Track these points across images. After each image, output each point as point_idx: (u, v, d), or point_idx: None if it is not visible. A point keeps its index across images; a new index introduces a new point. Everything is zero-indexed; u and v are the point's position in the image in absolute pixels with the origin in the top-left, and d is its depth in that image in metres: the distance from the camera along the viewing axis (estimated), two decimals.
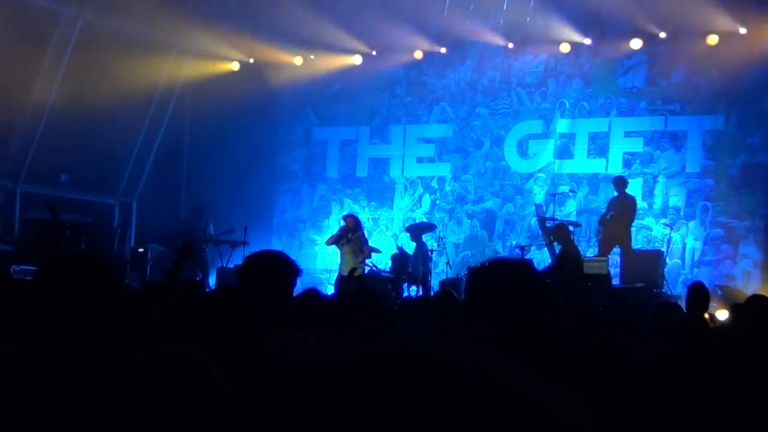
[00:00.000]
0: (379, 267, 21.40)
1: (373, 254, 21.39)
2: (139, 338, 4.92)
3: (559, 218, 20.92)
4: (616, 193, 20.59)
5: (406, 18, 23.85)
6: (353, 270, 19.26)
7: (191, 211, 23.83)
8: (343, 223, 20.76)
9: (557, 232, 19.36)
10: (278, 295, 5.20)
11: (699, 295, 10.94)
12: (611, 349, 5.38)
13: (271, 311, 5.09)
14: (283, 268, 5.31)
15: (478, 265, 4.54)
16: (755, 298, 9.40)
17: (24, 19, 21.52)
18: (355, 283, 18.02)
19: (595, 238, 20.88)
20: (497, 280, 4.25)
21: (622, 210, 20.24)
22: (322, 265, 24.06)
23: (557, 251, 19.39)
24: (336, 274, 20.50)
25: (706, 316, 11.42)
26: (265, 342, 4.49)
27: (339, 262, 20.34)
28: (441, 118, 24.21)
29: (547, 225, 20.34)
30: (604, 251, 20.02)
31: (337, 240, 20.19)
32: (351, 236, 19.97)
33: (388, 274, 20.97)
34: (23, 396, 3.48)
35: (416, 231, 22.03)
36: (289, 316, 5.18)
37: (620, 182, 20.61)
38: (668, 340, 6.67)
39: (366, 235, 20.87)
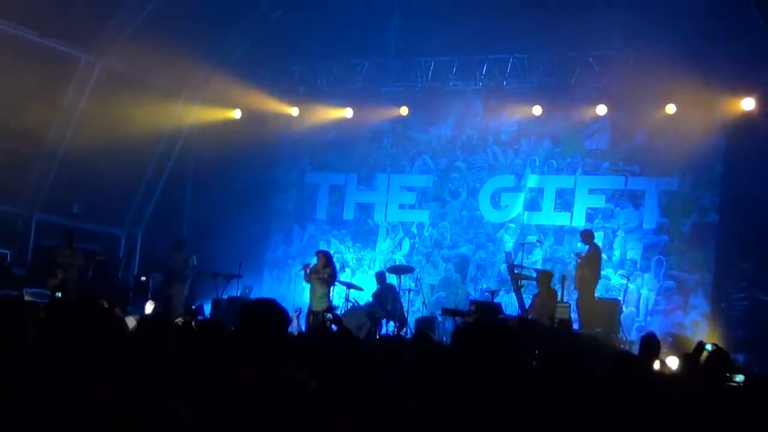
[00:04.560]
0: (360, 303, 21.37)
1: (353, 290, 21.37)
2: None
3: (527, 266, 20.94)
4: (585, 246, 20.62)
5: (395, 78, 24.00)
6: (323, 315, 19.19)
7: (171, 244, 23.61)
8: (315, 259, 20.72)
9: (544, 278, 19.38)
10: (274, 338, 5.19)
11: (650, 344, 10.96)
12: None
13: (267, 353, 5.08)
14: (276, 316, 5.31)
15: (465, 324, 4.62)
16: (702, 344, 9.46)
17: (47, 62, 21.59)
18: (324, 320, 18.01)
19: (559, 285, 20.86)
20: (481, 338, 4.30)
21: (593, 259, 20.34)
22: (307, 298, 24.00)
23: (534, 294, 19.43)
24: (306, 307, 20.34)
25: (657, 363, 11.44)
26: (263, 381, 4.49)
27: (309, 295, 20.21)
28: (423, 169, 24.26)
29: (516, 272, 20.33)
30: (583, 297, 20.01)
31: (307, 277, 20.22)
32: (320, 271, 19.96)
33: (369, 310, 20.92)
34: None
35: (393, 272, 22.00)
36: (287, 357, 5.18)
37: (588, 235, 20.68)
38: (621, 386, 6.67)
39: (335, 272, 20.78)
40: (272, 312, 5.28)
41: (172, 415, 3.08)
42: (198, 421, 3.07)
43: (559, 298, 19.72)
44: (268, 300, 5.58)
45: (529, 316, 18.56)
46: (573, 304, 19.79)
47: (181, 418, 3.08)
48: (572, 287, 20.46)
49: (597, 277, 20.41)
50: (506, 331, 4.49)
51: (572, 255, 21.22)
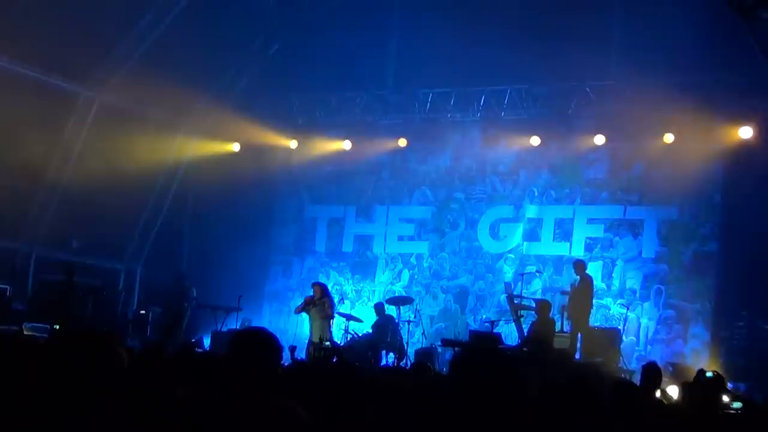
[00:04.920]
0: (359, 334, 21.32)
1: (352, 322, 21.31)
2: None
3: (527, 296, 20.89)
4: (577, 276, 20.61)
5: (393, 110, 24.06)
6: (320, 341, 19.12)
7: (173, 277, 23.75)
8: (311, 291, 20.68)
9: (541, 308, 19.33)
10: (266, 367, 5.15)
11: (652, 373, 10.91)
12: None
13: (260, 382, 5.04)
14: (268, 345, 5.26)
15: (461, 355, 4.59)
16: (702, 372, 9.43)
17: (46, 98, 21.64)
18: (325, 352, 17.93)
19: (558, 315, 20.78)
20: (477, 367, 4.28)
21: (583, 290, 20.29)
22: (308, 331, 23.94)
23: (532, 322, 19.36)
24: (307, 339, 20.30)
25: (658, 392, 11.39)
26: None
27: (309, 327, 20.12)
28: (421, 200, 24.27)
29: (515, 302, 20.29)
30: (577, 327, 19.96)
31: (303, 308, 20.11)
32: (318, 303, 19.88)
33: (369, 341, 20.88)
34: None
35: (392, 304, 21.95)
36: (277, 386, 5.13)
37: (580, 265, 20.67)
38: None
39: (334, 301, 20.73)
40: (263, 340, 5.24)
41: None
42: None
43: (558, 328, 19.69)
44: (258, 328, 5.54)
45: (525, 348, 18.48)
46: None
47: None
48: (565, 318, 20.43)
49: (590, 306, 20.36)
50: (505, 360, 4.46)
51: (561, 291, 21.15)
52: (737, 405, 8.44)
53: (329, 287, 23.33)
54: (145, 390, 5.64)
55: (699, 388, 8.79)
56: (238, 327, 22.22)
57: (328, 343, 18.85)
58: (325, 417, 5.25)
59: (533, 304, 20.17)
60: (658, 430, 5.79)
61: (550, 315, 19.53)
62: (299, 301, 21.03)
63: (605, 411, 6.25)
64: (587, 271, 20.66)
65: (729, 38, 19.57)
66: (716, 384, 8.76)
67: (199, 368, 7.16)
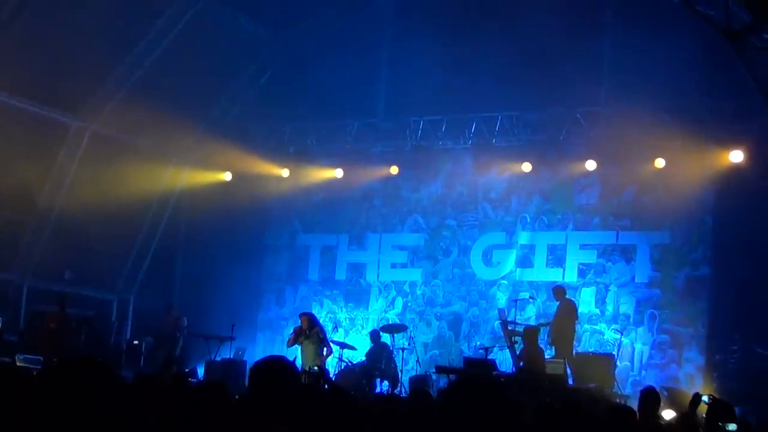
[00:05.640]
0: (353, 362, 21.26)
1: (346, 350, 21.23)
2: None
3: (521, 322, 20.88)
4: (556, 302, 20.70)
5: (385, 138, 24.10)
6: (310, 369, 18.98)
7: (163, 307, 23.80)
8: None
9: (529, 335, 19.34)
10: (285, 397, 5.16)
11: (651, 398, 10.89)
12: None
13: (277, 410, 5.04)
14: (289, 373, 5.29)
15: (453, 384, 4.55)
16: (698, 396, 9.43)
17: (37, 129, 21.64)
18: (314, 379, 17.82)
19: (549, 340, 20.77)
20: (470, 395, 4.26)
21: (561, 316, 20.37)
22: (300, 360, 23.87)
23: (519, 351, 19.35)
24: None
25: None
26: None
27: (301, 357, 19.92)
28: (414, 228, 24.26)
29: (509, 328, 20.27)
30: (560, 353, 19.96)
31: (295, 341, 19.95)
32: (309, 333, 19.76)
33: (363, 369, 20.83)
34: None
35: (386, 331, 21.91)
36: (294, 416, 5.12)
37: (559, 291, 20.77)
38: None
39: (324, 329, 20.62)
40: (284, 369, 5.26)
41: None
42: None
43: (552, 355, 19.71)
44: (278, 358, 5.56)
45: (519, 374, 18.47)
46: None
47: None
48: (548, 343, 20.47)
49: (573, 331, 20.39)
50: (498, 386, 4.43)
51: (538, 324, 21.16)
52: (732, 427, 8.42)
53: (321, 315, 23.36)
54: (142, 418, 5.61)
55: (697, 413, 8.79)
56: (231, 356, 22.17)
57: (316, 368, 18.73)
58: None
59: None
60: None
61: (539, 342, 19.52)
62: (292, 330, 20.91)
63: None
64: (568, 296, 20.75)
65: (719, 63, 19.69)
66: (720, 408, 8.76)
67: (195, 397, 7.12)
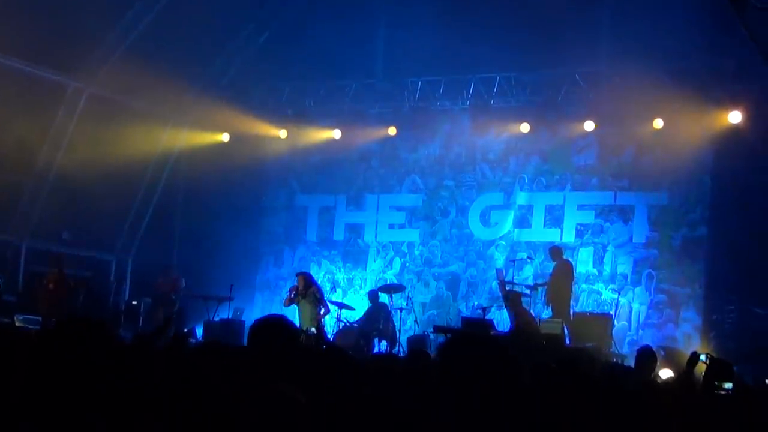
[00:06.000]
0: (351, 322, 21.34)
1: (344, 310, 21.30)
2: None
3: (518, 282, 20.95)
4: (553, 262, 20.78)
5: (383, 99, 24.04)
6: (308, 330, 18.99)
7: (160, 269, 23.86)
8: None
9: (510, 302, 19.47)
10: (284, 353, 5.18)
11: (647, 357, 10.95)
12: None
13: (275, 368, 5.06)
14: (286, 332, 5.30)
15: (450, 341, 4.55)
16: (696, 355, 9.47)
17: (35, 90, 21.58)
18: (313, 340, 17.85)
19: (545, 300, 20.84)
20: (466, 351, 4.27)
21: (558, 276, 20.44)
22: (298, 320, 23.94)
23: (510, 318, 19.48)
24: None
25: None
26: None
27: (299, 317, 19.85)
28: (412, 188, 24.26)
29: (507, 288, 20.35)
30: (557, 313, 20.05)
31: (291, 301, 19.94)
32: (305, 292, 19.76)
33: (361, 329, 20.93)
34: None
35: (384, 292, 21.96)
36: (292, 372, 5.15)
37: (556, 251, 20.85)
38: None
39: (321, 289, 20.64)
40: (281, 328, 5.28)
41: None
42: None
43: (550, 315, 19.82)
44: (278, 316, 5.58)
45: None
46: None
47: None
48: (545, 303, 20.57)
49: (570, 291, 20.47)
50: (496, 344, 4.44)
51: (534, 285, 21.24)
52: (728, 385, 8.47)
53: (320, 276, 23.41)
54: (141, 379, 5.63)
55: (695, 372, 8.83)
56: (230, 317, 22.25)
57: (314, 329, 18.77)
58: (321, 401, 5.24)
59: (526, 290, 20.28)
60: (652, 411, 5.81)
61: (522, 304, 19.62)
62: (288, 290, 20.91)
63: (598, 393, 6.27)
64: (565, 257, 20.81)
65: (718, 23, 19.57)
66: (719, 367, 8.80)
67: (194, 357, 7.14)
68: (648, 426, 5.78)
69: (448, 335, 18.52)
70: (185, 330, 21.19)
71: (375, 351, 20.37)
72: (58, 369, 4.09)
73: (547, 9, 20.83)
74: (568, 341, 18.84)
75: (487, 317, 20.24)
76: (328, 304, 20.37)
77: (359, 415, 4.91)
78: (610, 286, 21.47)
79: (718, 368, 8.80)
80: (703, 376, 8.84)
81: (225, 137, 25.91)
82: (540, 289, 20.86)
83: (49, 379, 4.08)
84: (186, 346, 10.67)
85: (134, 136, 23.90)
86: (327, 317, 20.35)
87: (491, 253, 22.98)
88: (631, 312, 21.30)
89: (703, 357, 9.41)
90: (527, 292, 20.45)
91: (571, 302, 20.63)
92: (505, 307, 20.35)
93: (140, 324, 22.92)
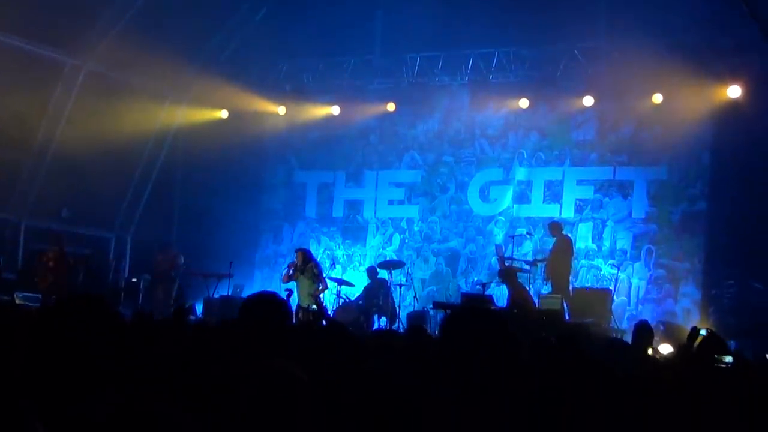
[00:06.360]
0: (351, 298, 21.38)
1: (344, 286, 21.33)
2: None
3: (518, 258, 20.98)
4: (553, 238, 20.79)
5: (381, 75, 23.99)
6: (306, 307, 18.98)
7: (158, 247, 23.88)
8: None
9: (506, 278, 19.48)
10: (275, 330, 5.19)
11: (644, 332, 10.97)
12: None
13: (268, 344, 5.07)
14: (279, 309, 5.30)
15: (452, 313, 4.56)
16: (696, 330, 9.50)
17: (32, 67, 21.53)
18: (313, 316, 17.87)
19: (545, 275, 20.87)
20: (468, 325, 4.27)
21: (558, 251, 20.45)
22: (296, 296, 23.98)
23: (508, 295, 19.50)
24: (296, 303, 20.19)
25: (650, 350, 11.45)
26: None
27: (297, 293, 19.79)
28: (411, 164, 24.25)
29: (506, 264, 20.38)
30: (557, 289, 20.07)
31: (290, 277, 19.91)
32: (304, 268, 19.75)
33: (360, 305, 20.97)
34: None
35: (384, 268, 21.98)
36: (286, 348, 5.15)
37: (555, 227, 20.86)
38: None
39: (320, 265, 20.65)
40: (274, 304, 5.28)
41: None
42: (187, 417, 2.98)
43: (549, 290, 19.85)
44: (269, 293, 5.58)
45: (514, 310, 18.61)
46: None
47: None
48: (544, 279, 20.60)
49: (570, 267, 20.48)
50: (497, 319, 4.45)
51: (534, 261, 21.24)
52: (728, 359, 8.50)
53: (319, 252, 23.42)
54: (142, 356, 5.64)
55: (694, 346, 8.85)
56: (230, 294, 22.28)
57: (314, 306, 18.79)
58: (321, 377, 5.25)
59: (525, 266, 20.30)
60: (651, 386, 5.83)
61: (518, 280, 19.65)
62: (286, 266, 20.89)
63: (596, 368, 6.28)
64: (564, 232, 20.83)
65: None
66: (713, 341, 8.82)
67: (195, 334, 7.17)
68: (648, 402, 5.80)
69: (448, 311, 18.57)
70: (185, 307, 21.26)
71: (375, 327, 20.41)
72: (59, 346, 4.10)
73: None
74: (567, 317, 18.88)
75: (486, 293, 20.27)
76: (327, 281, 20.39)
77: (359, 392, 4.92)
78: (610, 262, 21.50)
79: (713, 342, 8.83)
80: (698, 348, 8.86)
81: (224, 114, 25.88)
82: (539, 264, 20.88)
83: (50, 357, 4.08)
84: (186, 322, 10.70)
85: (133, 113, 23.86)
86: (326, 293, 20.36)
87: (490, 229, 23.00)
88: (630, 287, 21.32)
89: (703, 332, 9.45)
90: (527, 267, 20.49)
91: (571, 278, 20.66)
92: (502, 282, 20.39)
93: (140, 301, 22.97)
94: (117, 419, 2.94)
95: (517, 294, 19.08)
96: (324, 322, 15.50)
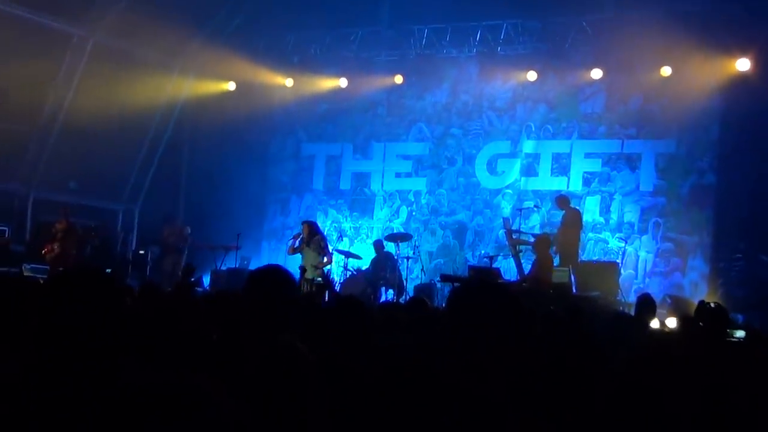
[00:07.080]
0: (358, 271, 21.40)
1: (351, 259, 21.33)
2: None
3: (525, 231, 20.97)
4: (561, 211, 20.73)
5: (389, 47, 23.92)
6: (311, 280, 18.93)
7: (163, 218, 23.93)
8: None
9: (540, 244, 19.31)
10: (282, 304, 5.19)
11: (646, 304, 10.99)
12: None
13: (275, 318, 5.08)
14: (285, 282, 5.31)
15: (461, 287, 4.55)
16: (703, 303, 9.50)
17: (40, 39, 21.49)
18: (317, 288, 17.86)
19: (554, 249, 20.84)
20: (478, 300, 4.26)
21: (567, 224, 20.40)
22: None
23: (534, 260, 19.37)
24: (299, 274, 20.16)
25: (657, 323, 11.46)
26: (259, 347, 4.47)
27: (303, 263, 19.79)
28: (418, 137, 24.22)
29: (514, 237, 20.37)
30: (565, 262, 20.04)
31: (296, 249, 19.93)
32: (310, 240, 19.76)
33: (368, 278, 21.00)
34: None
35: (391, 240, 21.97)
36: (292, 322, 5.16)
37: (563, 200, 20.79)
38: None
39: (326, 238, 20.66)
40: (280, 277, 5.28)
41: (198, 393, 2.94)
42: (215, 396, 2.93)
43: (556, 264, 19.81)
44: (275, 266, 5.57)
45: (524, 283, 18.56)
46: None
47: (207, 396, 2.94)
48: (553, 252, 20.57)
49: (578, 240, 20.43)
50: (506, 293, 4.44)
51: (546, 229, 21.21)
52: (740, 334, 8.49)
53: (326, 225, 23.44)
54: (149, 328, 5.67)
55: (706, 317, 8.84)
56: (237, 266, 22.33)
57: (319, 279, 18.79)
58: (326, 349, 5.28)
59: (531, 239, 20.24)
60: (659, 360, 5.83)
61: (551, 251, 19.55)
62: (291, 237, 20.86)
63: (603, 341, 6.29)
64: (572, 205, 20.78)
65: None
66: (718, 314, 8.82)
67: (201, 306, 7.19)
68: (656, 375, 5.79)
69: (456, 284, 18.58)
70: (192, 279, 21.31)
71: (382, 299, 20.45)
72: (66, 317, 4.11)
73: None
74: (574, 290, 18.88)
75: (493, 266, 20.27)
76: (332, 254, 20.41)
77: (363, 364, 4.94)
78: (617, 235, 21.49)
79: (719, 315, 8.82)
80: (703, 324, 8.84)
81: (231, 86, 25.86)
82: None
83: (58, 328, 4.09)
84: (192, 294, 10.73)
85: (140, 85, 23.86)
86: (329, 266, 20.36)
87: (498, 202, 22.98)
88: (638, 260, 21.31)
89: (711, 305, 9.44)
90: (533, 240, 20.46)
91: (579, 251, 20.63)
92: (512, 255, 20.37)
93: (147, 273, 23.02)
94: (127, 391, 2.93)
95: (543, 262, 18.94)
96: (327, 296, 15.51)
